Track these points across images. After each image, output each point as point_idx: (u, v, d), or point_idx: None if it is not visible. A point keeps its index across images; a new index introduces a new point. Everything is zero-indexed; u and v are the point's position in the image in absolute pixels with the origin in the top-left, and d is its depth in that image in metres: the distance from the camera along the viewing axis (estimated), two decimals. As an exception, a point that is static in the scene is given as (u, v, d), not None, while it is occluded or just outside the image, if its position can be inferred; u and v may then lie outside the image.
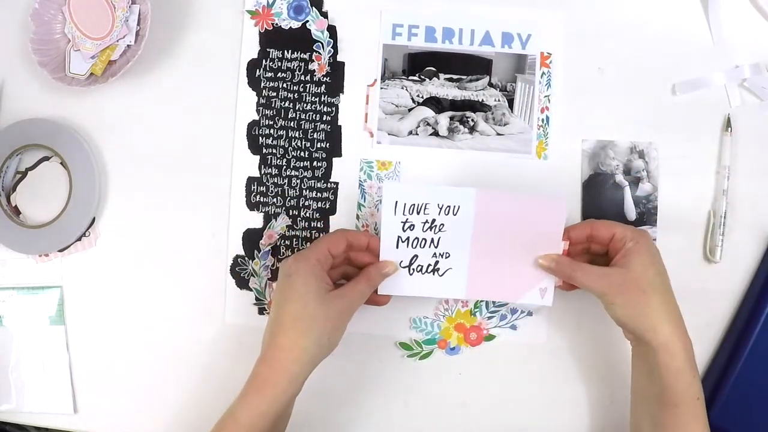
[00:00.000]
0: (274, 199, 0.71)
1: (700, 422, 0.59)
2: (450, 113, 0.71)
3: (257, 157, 0.71)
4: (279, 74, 0.72)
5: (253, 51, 0.72)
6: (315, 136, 0.71)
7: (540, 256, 0.64)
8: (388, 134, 0.71)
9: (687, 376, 0.58)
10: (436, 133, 0.71)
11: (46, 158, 0.72)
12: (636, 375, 0.63)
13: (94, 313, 0.71)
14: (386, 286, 0.65)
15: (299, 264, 0.59)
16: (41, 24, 0.71)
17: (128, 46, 0.70)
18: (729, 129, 0.70)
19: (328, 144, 0.71)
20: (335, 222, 0.71)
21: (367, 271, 0.63)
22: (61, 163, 0.71)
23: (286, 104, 0.72)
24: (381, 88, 0.71)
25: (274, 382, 0.57)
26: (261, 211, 0.71)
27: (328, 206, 0.71)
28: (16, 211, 0.72)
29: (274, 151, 0.71)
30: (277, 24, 0.72)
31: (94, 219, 0.71)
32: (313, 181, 0.71)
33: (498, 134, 0.71)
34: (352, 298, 0.61)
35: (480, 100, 0.72)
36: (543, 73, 0.71)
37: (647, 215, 0.70)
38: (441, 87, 0.72)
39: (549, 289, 0.65)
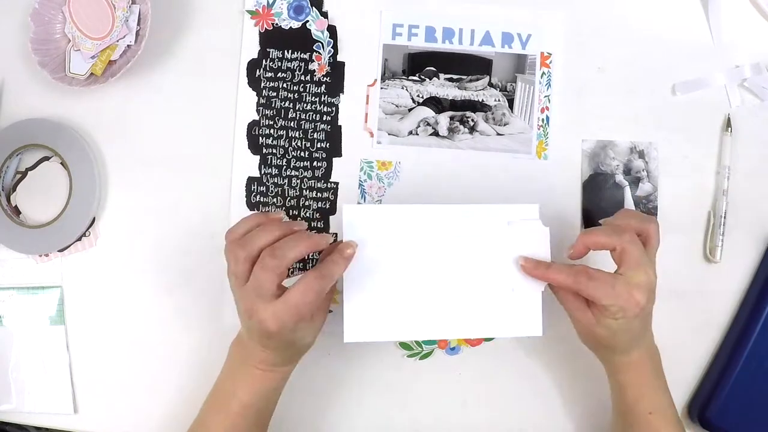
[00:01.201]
0: (274, 199, 0.71)
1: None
2: (450, 113, 0.71)
3: (257, 157, 0.71)
4: (279, 74, 0.72)
5: (253, 51, 0.72)
6: (315, 136, 0.71)
7: (554, 265, 0.57)
8: (388, 134, 0.71)
9: (648, 389, 0.59)
10: (436, 133, 0.71)
11: (46, 158, 0.72)
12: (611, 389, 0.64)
13: (94, 313, 0.71)
14: (352, 334, 0.57)
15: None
16: (41, 24, 0.71)
17: (128, 46, 0.70)
18: (729, 129, 0.70)
19: (328, 144, 0.71)
20: (335, 222, 0.71)
21: (320, 267, 0.55)
22: (61, 163, 0.71)
23: (286, 104, 0.72)
24: (381, 88, 0.71)
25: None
26: (261, 211, 0.71)
27: (328, 206, 0.71)
28: (16, 211, 0.72)
29: (274, 151, 0.71)
30: (277, 24, 0.72)
31: (94, 219, 0.71)
32: (313, 181, 0.71)
33: (498, 134, 0.71)
34: (298, 304, 0.53)
35: (480, 100, 0.72)
36: (543, 73, 0.71)
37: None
38: (441, 87, 0.72)
39: (536, 318, 0.59)
